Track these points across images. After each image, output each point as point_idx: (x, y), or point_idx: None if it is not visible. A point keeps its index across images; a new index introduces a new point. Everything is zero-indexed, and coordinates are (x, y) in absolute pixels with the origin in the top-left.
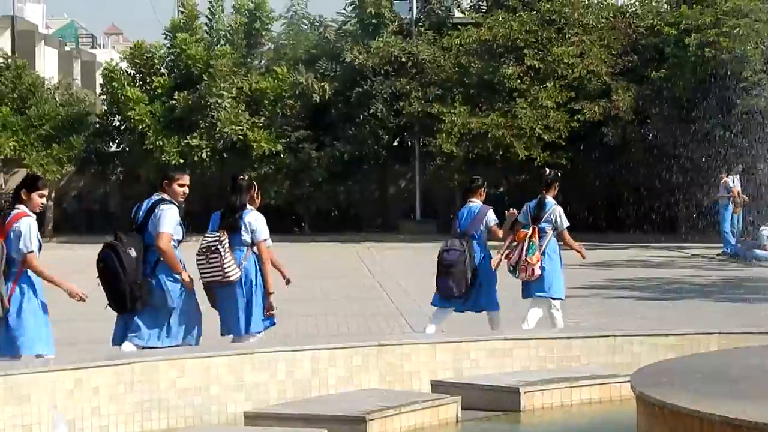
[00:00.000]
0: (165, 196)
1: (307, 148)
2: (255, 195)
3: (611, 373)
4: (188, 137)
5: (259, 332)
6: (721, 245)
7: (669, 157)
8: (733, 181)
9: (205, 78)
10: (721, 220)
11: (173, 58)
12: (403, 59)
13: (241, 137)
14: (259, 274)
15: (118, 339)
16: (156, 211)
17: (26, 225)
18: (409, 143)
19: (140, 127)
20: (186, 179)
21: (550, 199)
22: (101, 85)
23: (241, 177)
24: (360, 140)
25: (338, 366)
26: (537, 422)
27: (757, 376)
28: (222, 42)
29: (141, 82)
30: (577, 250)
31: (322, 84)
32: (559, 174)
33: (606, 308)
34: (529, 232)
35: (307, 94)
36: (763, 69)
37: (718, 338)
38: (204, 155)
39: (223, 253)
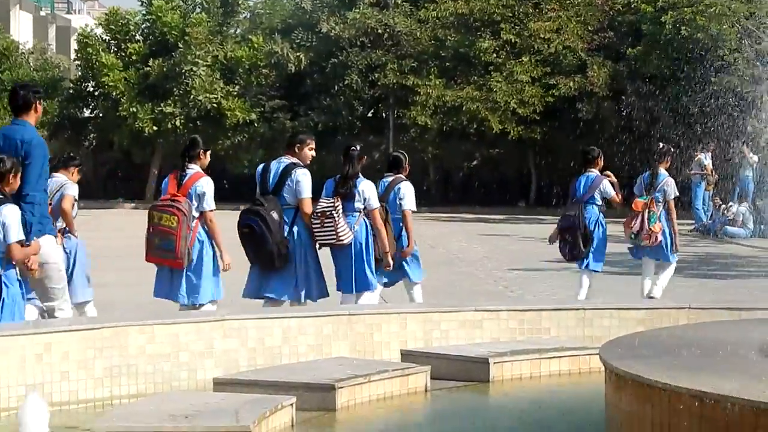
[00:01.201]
0: (295, 160)
1: (281, 118)
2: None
3: (581, 346)
4: (162, 104)
5: (369, 290)
6: (693, 222)
7: (643, 133)
8: (706, 158)
9: (180, 46)
10: (693, 197)
11: (148, 25)
12: (380, 31)
13: (215, 105)
14: (369, 237)
15: (253, 292)
16: (292, 175)
17: (208, 185)
18: (384, 115)
19: (114, 94)
20: (314, 144)
21: (662, 171)
22: (76, 50)
23: (353, 147)
24: (334, 111)
25: (308, 334)
26: (506, 393)
27: (726, 350)
28: (198, 10)
29: (116, 49)
30: (673, 219)
31: (297, 54)
32: (672, 148)
33: (577, 281)
34: (648, 201)
35: (283, 63)
36: (737, 48)
37: (687, 313)
38: (177, 123)
39: (337, 218)
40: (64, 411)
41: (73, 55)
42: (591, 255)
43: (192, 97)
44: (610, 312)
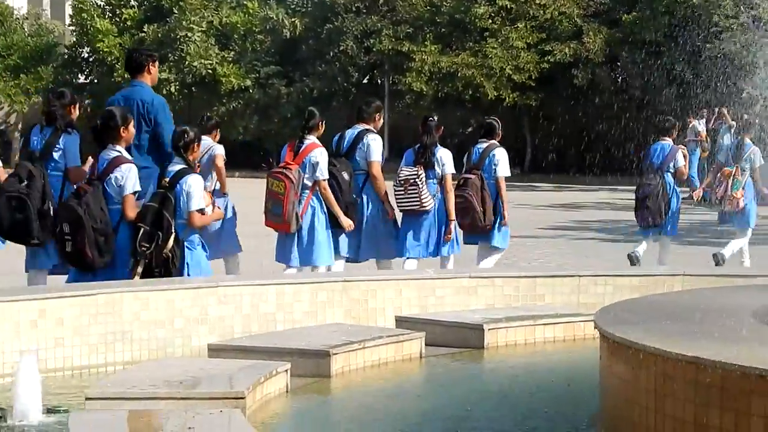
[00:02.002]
0: (369, 126)
1: (276, 84)
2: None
3: (575, 312)
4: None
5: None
6: (687, 189)
7: (638, 99)
8: (700, 125)
9: (175, 11)
10: (688, 164)
11: None
12: None
13: (210, 71)
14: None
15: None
16: (364, 140)
17: (322, 155)
18: (379, 81)
19: (109, 59)
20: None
21: (748, 141)
22: (70, 16)
23: (431, 118)
24: (330, 77)
25: (303, 301)
26: (500, 359)
27: (721, 316)
28: None
29: (110, 14)
30: (760, 190)
31: (292, 20)
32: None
33: (572, 249)
34: (734, 170)
35: (278, 29)
36: (733, 14)
37: (682, 279)
38: (173, 89)
39: (420, 186)
40: (58, 377)
41: (67, 21)
42: (669, 221)
43: (187, 63)
44: (605, 279)
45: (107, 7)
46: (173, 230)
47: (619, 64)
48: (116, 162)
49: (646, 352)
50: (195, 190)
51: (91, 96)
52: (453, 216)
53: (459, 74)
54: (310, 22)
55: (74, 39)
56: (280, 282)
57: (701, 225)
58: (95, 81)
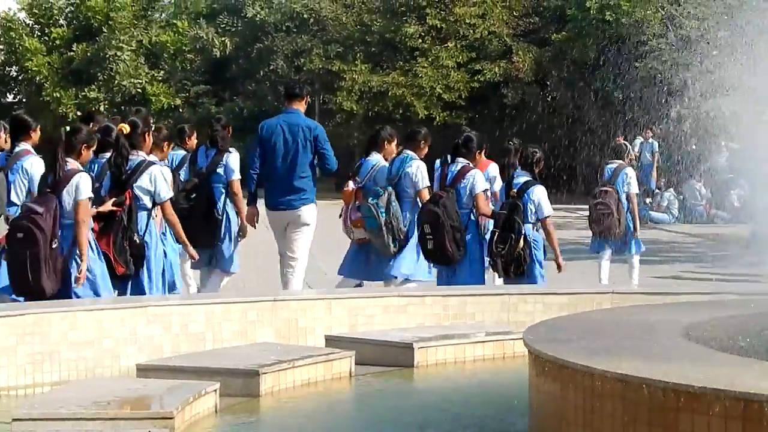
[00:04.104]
0: (412, 154)
1: (206, 103)
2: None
3: (505, 330)
4: (86, 89)
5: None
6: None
7: (568, 118)
8: (634, 145)
9: (105, 30)
10: None
11: (72, 9)
12: (305, 15)
13: (139, 90)
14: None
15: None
16: (410, 167)
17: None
18: (310, 100)
19: (38, 79)
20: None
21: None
22: None
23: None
24: (260, 96)
25: (233, 320)
26: (430, 377)
27: (649, 334)
28: None
29: (39, 33)
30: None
31: (222, 39)
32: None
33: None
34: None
35: (208, 48)
36: (662, 33)
37: (611, 297)
38: (101, 108)
39: None
40: None
41: None
42: (631, 240)
43: (116, 82)
44: (534, 297)
45: (36, 26)
46: (523, 233)
47: (548, 83)
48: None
49: (574, 369)
50: (543, 197)
51: None
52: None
53: (389, 93)
54: (240, 41)
55: (2, 58)
56: (209, 301)
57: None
58: (24, 100)
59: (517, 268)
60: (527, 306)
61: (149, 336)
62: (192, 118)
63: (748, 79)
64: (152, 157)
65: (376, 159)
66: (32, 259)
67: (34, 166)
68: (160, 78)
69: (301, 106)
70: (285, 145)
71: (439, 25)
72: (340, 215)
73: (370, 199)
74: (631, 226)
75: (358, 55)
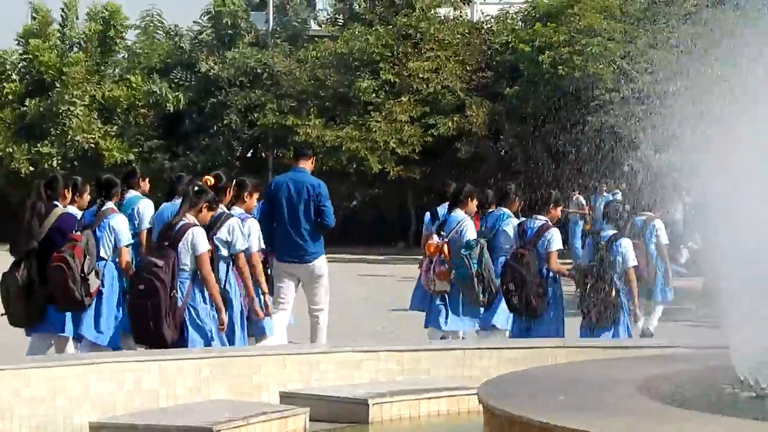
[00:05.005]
0: (508, 211)
1: (159, 158)
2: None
3: (460, 386)
4: (39, 145)
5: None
6: (571, 261)
7: (521, 172)
8: (586, 199)
9: (58, 85)
10: (572, 236)
11: (25, 64)
12: (259, 70)
13: (92, 145)
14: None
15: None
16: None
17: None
18: (263, 155)
19: None
20: None
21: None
22: None
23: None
24: (213, 151)
25: (187, 377)
26: None
27: (605, 389)
28: (75, 49)
29: None
30: None
31: (176, 93)
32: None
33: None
34: None
35: (161, 103)
36: (614, 87)
37: (565, 352)
38: (54, 163)
39: None
40: None
41: None
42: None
43: (69, 137)
44: (490, 352)
45: None
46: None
47: (501, 137)
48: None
49: (530, 425)
50: (629, 250)
51: None
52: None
53: (343, 148)
54: (193, 96)
55: None
56: (163, 357)
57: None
58: None
59: (611, 316)
60: (482, 361)
61: (102, 393)
62: (145, 173)
63: (701, 131)
64: (236, 210)
65: (461, 215)
66: (153, 310)
67: (120, 223)
68: (113, 133)
69: (307, 165)
70: (289, 201)
71: (392, 80)
72: (419, 266)
73: (462, 250)
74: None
75: (312, 109)
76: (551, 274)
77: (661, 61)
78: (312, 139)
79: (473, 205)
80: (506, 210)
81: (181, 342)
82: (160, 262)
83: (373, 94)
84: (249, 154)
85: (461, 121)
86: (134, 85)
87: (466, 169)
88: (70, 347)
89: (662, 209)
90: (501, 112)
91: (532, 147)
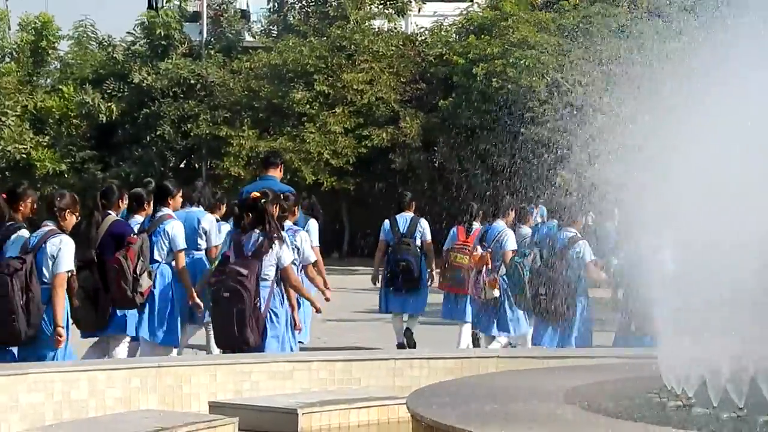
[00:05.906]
0: (504, 224)
1: (92, 169)
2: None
3: (390, 395)
4: None
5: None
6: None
7: (454, 184)
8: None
9: None
10: None
11: None
12: (192, 81)
13: (24, 156)
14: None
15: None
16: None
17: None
18: (196, 165)
19: None
20: None
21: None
22: None
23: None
24: (146, 162)
25: (116, 387)
26: None
27: (534, 398)
28: (7, 59)
29: None
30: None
31: (109, 104)
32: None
33: (388, 332)
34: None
35: (94, 114)
36: (547, 100)
37: (497, 361)
38: None
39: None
40: None
41: None
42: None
43: (1, 147)
44: (420, 362)
45: None
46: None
47: (435, 149)
48: None
49: None
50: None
51: None
52: None
53: None
54: (126, 106)
55: None
56: (92, 368)
57: None
58: None
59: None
60: (413, 371)
61: (31, 403)
62: (77, 184)
63: (633, 145)
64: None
65: (501, 225)
66: (239, 316)
67: (175, 228)
68: (45, 143)
69: (276, 174)
70: None
71: (326, 91)
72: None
73: (515, 258)
74: None
75: (246, 120)
76: (582, 283)
77: (592, 75)
78: (246, 150)
79: (512, 215)
80: (503, 223)
81: (260, 347)
82: (245, 271)
83: (307, 106)
84: (182, 165)
85: (395, 133)
86: (67, 95)
87: (400, 181)
88: (122, 349)
89: (594, 221)
90: (435, 124)
91: (466, 159)
